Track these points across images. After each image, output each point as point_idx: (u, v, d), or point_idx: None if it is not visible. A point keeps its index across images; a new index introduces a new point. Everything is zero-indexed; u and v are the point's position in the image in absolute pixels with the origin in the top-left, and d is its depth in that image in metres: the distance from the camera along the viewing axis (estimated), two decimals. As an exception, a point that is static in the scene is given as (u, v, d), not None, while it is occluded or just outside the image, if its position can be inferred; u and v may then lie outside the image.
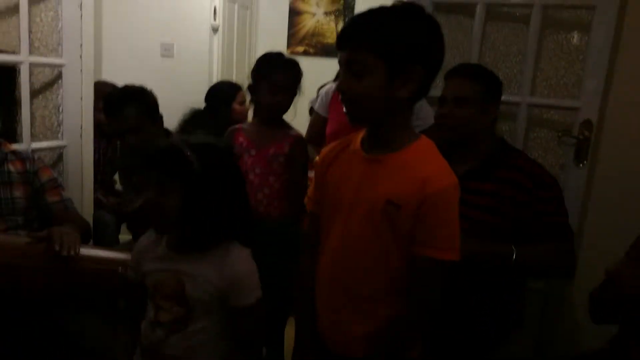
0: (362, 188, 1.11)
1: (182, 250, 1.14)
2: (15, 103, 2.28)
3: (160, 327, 1.12)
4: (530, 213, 1.54)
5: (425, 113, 1.89)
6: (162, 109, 2.08)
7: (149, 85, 2.16)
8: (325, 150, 1.25)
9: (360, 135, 1.18)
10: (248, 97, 2.02)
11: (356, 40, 1.05)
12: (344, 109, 1.11)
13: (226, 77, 3.57)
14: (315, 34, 4.41)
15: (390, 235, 1.07)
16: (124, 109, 1.89)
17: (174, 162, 1.07)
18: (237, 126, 1.99)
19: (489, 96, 1.62)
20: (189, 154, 1.07)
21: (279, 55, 1.94)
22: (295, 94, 1.89)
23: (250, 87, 1.94)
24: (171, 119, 2.29)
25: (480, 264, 1.46)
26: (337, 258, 1.14)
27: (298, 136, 1.94)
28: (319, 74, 2.36)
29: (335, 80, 2.19)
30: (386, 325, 1.10)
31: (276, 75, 1.84)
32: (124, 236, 2.96)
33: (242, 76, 3.91)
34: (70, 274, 1.55)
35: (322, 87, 2.24)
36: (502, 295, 1.61)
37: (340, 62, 1.09)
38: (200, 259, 1.12)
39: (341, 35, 1.09)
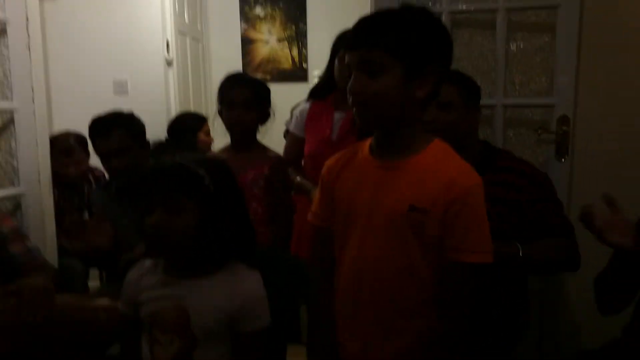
0: (380, 196, 1.04)
1: (183, 275, 1.03)
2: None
3: None
4: (526, 212, 1.53)
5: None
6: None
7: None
8: (329, 162, 1.19)
9: (367, 142, 1.12)
10: (213, 129, 1.99)
11: (372, 40, 1.00)
12: (355, 113, 1.06)
13: (184, 110, 3.47)
14: (270, 60, 4.39)
15: (415, 242, 1.01)
16: (112, 130, 1.85)
17: (185, 179, 0.99)
18: (209, 154, 1.92)
19: (470, 99, 1.61)
20: (199, 170, 0.99)
21: (237, 74, 1.95)
22: (259, 112, 1.84)
23: (219, 113, 1.89)
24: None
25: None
26: (358, 274, 1.07)
27: (277, 157, 1.87)
28: (277, 99, 2.35)
29: (308, 99, 2.14)
30: (420, 340, 1.03)
31: (232, 91, 1.82)
32: (93, 283, 2.78)
33: (199, 108, 3.82)
34: (47, 329, 1.40)
35: (295, 107, 2.18)
36: (508, 298, 1.58)
37: (350, 63, 1.04)
38: (205, 282, 1.03)
39: (355, 35, 1.04)
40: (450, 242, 1.01)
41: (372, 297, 1.05)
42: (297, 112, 2.14)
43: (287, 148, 2.17)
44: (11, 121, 2.22)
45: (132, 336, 1.08)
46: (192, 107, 3.77)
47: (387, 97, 1.00)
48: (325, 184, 1.17)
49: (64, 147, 2.54)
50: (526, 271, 1.61)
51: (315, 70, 4.04)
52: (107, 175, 2.65)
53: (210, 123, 2.94)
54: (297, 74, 4.35)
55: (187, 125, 2.86)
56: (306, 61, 4.35)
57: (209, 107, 4.06)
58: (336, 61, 1.93)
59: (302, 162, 2.14)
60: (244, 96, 1.80)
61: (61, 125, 2.99)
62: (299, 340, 2.10)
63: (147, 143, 1.99)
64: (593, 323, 1.73)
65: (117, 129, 1.87)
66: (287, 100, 2.72)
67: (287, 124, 2.18)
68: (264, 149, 1.89)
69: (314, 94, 2.12)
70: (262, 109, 1.84)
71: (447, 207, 0.99)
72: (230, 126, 1.84)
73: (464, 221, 1.00)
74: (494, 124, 1.99)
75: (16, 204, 2.22)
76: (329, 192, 1.15)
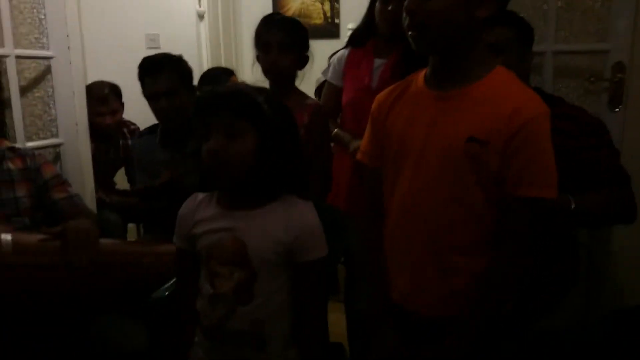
0: (436, 129, 0.99)
1: (238, 206, 1.01)
2: (2, 103, 2.13)
3: (222, 300, 0.99)
4: (580, 160, 1.45)
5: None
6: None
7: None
8: (380, 96, 1.14)
9: (422, 73, 1.06)
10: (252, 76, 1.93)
11: None
12: (410, 37, 1.00)
13: (216, 64, 3.44)
14: (301, 15, 4.27)
15: (472, 176, 0.96)
16: (161, 71, 1.84)
17: (244, 104, 0.96)
18: None
19: (522, 41, 1.52)
20: (257, 97, 0.96)
21: (273, 15, 1.87)
22: (296, 54, 1.77)
23: (257, 58, 1.83)
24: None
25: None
26: (411, 212, 1.02)
27: (316, 104, 1.82)
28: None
29: (346, 46, 2.06)
30: (477, 280, 0.99)
31: (267, 34, 1.75)
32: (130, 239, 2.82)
33: (229, 63, 3.78)
34: (91, 272, 1.41)
35: (333, 55, 2.10)
36: (557, 251, 1.52)
37: None
38: (261, 214, 1.01)
39: None
40: (511, 176, 0.95)
41: (425, 235, 1.01)
42: (334, 59, 2.06)
43: (324, 98, 2.11)
44: (47, 71, 2.22)
45: (189, 270, 1.07)
46: (223, 62, 3.73)
47: (447, 16, 0.94)
48: (375, 120, 1.12)
49: (99, 95, 2.54)
50: (578, 224, 1.55)
51: (350, 24, 3.92)
52: (141, 129, 2.66)
53: (238, 75, 2.89)
54: (329, 30, 4.22)
55: (215, 79, 2.82)
56: (338, 16, 4.22)
57: (239, 61, 4.01)
58: (377, 3, 1.84)
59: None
60: (279, 38, 1.73)
61: (94, 79, 2.99)
62: (336, 294, 2.08)
63: (194, 87, 1.97)
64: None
65: (167, 69, 1.85)
66: (318, 58, 2.64)
67: (324, 73, 2.11)
68: (303, 95, 1.83)
69: (352, 41, 2.04)
70: (299, 51, 1.78)
71: (510, 137, 0.93)
72: (266, 71, 1.78)
73: (527, 153, 0.93)
74: (542, 72, 1.89)
75: (56, 155, 2.25)
76: (379, 129, 1.10)
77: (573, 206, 1.40)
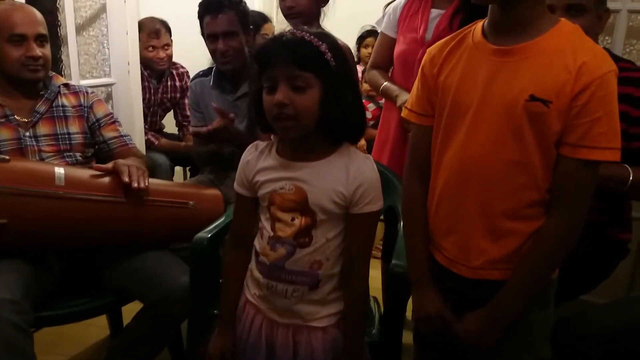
0: (494, 86, 0.93)
1: (299, 157, 1.02)
2: (58, 42, 2.17)
3: (282, 243, 1.02)
4: None
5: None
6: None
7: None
8: (432, 49, 1.07)
9: (479, 25, 0.99)
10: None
11: None
12: None
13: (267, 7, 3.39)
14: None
15: (532, 137, 0.90)
16: (222, 10, 1.83)
17: (309, 56, 0.95)
18: None
19: (601, 1, 1.40)
20: (321, 46, 0.94)
21: None
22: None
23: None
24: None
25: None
26: (463, 173, 0.98)
27: (344, 46, 1.78)
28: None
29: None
30: (529, 244, 0.95)
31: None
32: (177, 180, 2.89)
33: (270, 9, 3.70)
34: (138, 208, 1.45)
35: (388, 4, 2.02)
36: (610, 223, 1.46)
37: None
38: (322, 166, 1.01)
39: None
40: (570, 137, 0.89)
41: (477, 198, 0.97)
42: (389, 9, 1.98)
43: (376, 50, 2.04)
44: (103, 9, 2.24)
45: (246, 215, 1.10)
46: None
47: None
48: (426, 75, 1.06)
49: (151, 29, 2.55)
50: (634, 196, 1.47)
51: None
52: (190, 75, 2.66)
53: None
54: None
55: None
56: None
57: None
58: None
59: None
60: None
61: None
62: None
63: (251, 30, 1.95)
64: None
65: (227, 9, 1.83)
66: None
67: (378, 23, 2.03)
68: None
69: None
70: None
71: (574, 96, 0.87)
72: (285, 15, 1.78)
73: (593, 113, 0.87)
74: (614, 32, 1.76)
75: (108, 94, 2.29)
76: (430, 84, 1.04)
77: (631, 177, 1.33)
